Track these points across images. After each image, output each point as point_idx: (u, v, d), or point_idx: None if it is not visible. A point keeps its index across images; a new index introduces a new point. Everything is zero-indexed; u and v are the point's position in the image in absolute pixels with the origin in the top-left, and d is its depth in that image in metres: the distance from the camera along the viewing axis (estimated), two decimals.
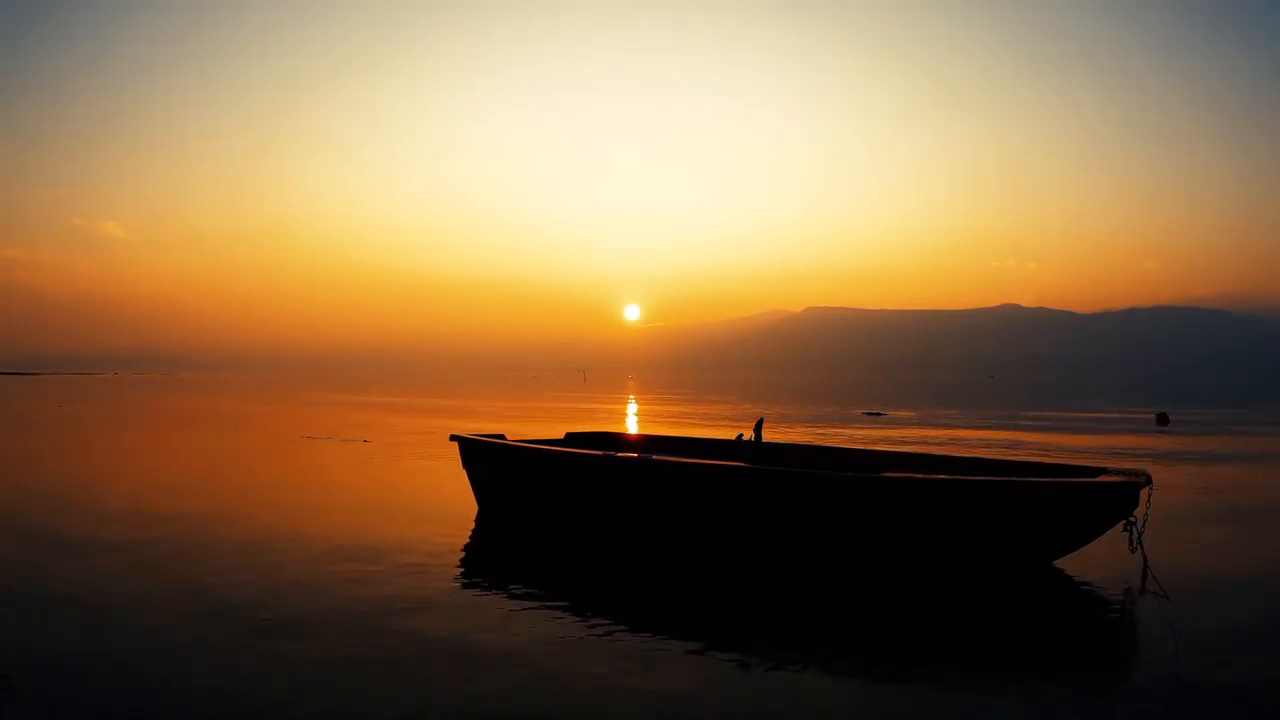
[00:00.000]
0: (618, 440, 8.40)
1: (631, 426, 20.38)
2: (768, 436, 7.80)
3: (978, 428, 18.76)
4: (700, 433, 14.84)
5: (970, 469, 6.37)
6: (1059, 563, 5.31)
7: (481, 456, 7.19)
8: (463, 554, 5.79)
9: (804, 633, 4.13)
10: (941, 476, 5.19)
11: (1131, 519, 4.92)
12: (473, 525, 6.69)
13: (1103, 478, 5.11)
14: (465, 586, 4.89)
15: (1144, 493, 5.01)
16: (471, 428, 14.39)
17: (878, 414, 23.86)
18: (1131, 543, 4.89)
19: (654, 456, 6.17)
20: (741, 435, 7.81)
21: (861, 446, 9.80)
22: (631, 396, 41.09)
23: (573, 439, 8.14)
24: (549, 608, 4.45)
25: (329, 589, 4.74)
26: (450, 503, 7.61)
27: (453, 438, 7.48)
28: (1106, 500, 4.91)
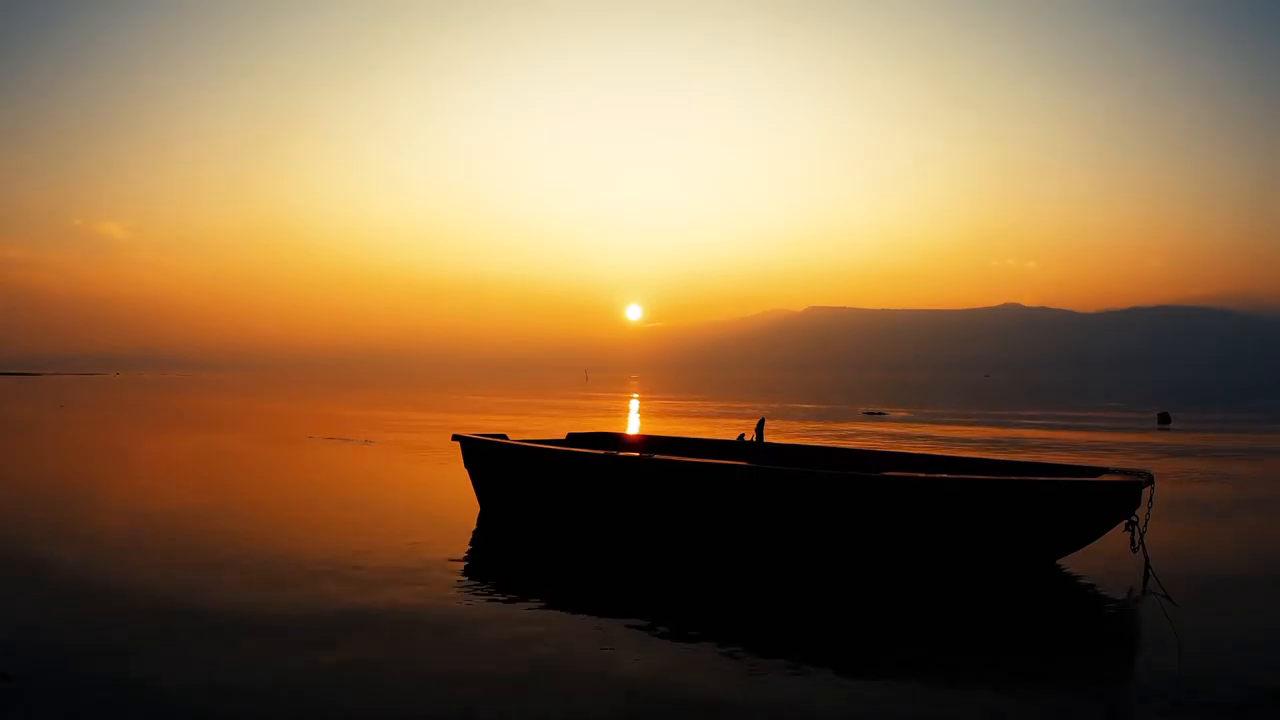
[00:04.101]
0: (619, 440, 8.40)
1: (634, 426, 20.37)
2: (769, 437, 7.79)
3: (978, 427, 18.77)
4: (702, 432, 14.84)
5: (972, 469, 6.37)
6: (1061, 562, 5.31)
7: (484, 456, 7.19)
8: (465, 553, 5.79)
9: (806, 632, 4.13)
10: (944, 476, 5.19)
11: (1134, 518, 4.91)
12: (475, 525, 6.70)
13: (1105, 477, 5.11)
14: (467, 586, 4.89)
15: (1146, 492, 5.00)
16: (472, 428, 14.39)
17: (878, 414, 23.86)
18: (1134, 542, 4.88)
19: (655, 456, 6.16)
20: (743, 435, 7.81)
21: (862, 446, 9.79)
22: (634, 395, 41.07)
23: (574, 439, 8.14)
24: (551, 607, 4.45)
25: (330, 588, 4.74)
26: (452, 502, 7.61)
27: (455, 437, 7.48)
28: (1109, 500, 4.91)
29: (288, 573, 5.11)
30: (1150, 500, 5.04)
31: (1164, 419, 19.73)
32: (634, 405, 31.53)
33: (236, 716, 3.08)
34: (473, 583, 5.00)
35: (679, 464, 5.86)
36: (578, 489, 6.46)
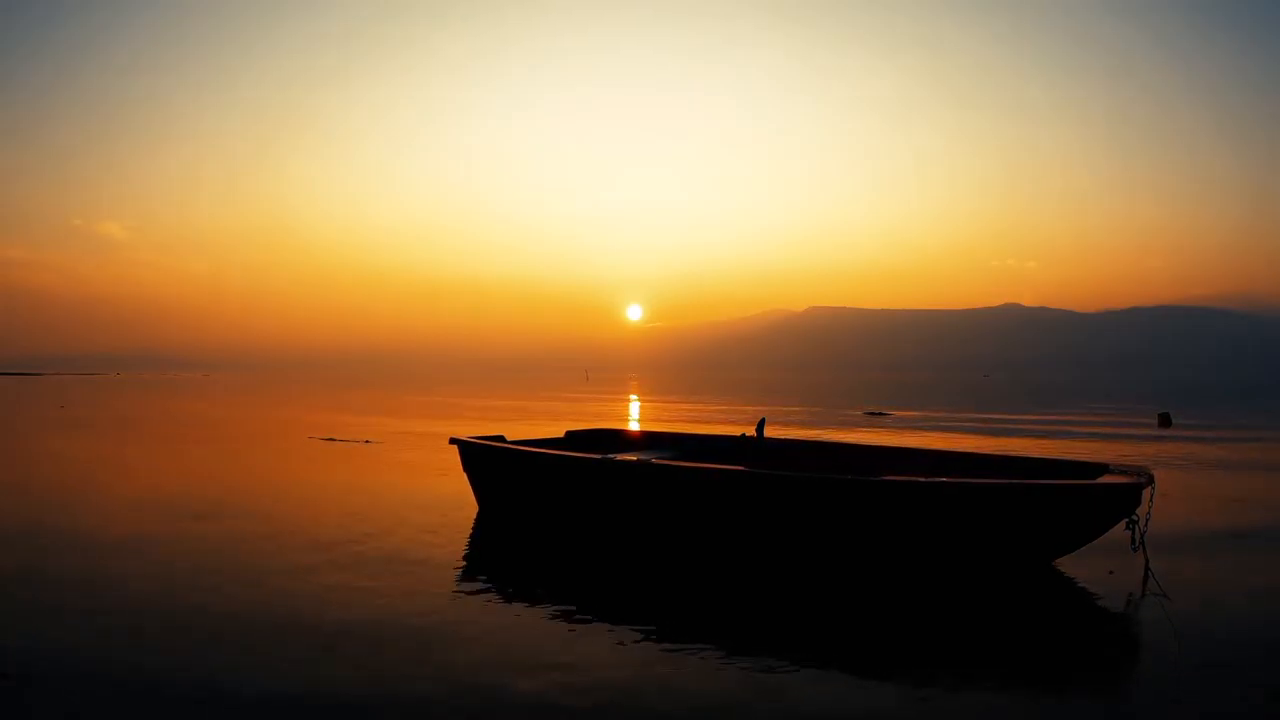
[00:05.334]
0: (618, 438, 8.39)
1: (633, 426, 20.36)
2: (769, 436, 7.79)
3: (979, 428, 18.76)
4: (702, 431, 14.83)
5: (972, 467, 6.36)
6: (1060, 562, 5.30)
7: (481, 459, 7.18)
8: (463, 556, 5.78)
9: (805, 634, 4.13)
10: (942, 479, 5.19)
11: (1134, 518, 4.92)
12: (473, 527, 6.69)
13: (1105, 477, 5.11)
14: (465, 589, 4.89)
15: (1146, 492, 5.01)
16: (472, 428, 14.42)
17: (879, 414, 23.83)
18: (1133, 542, 4.89)
19: (654, 459, 6.16)
20: (744, 435, 7.81)
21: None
22: (634, 396, 41.07)
23: (573, 437, 8.13)
24: (549, 609, 4.45)
25: (329, 589, 4.74)
26: (450, 504, 7.60)
27: (452, 440, 7.47)
28: (1109, 499, 4.91)
29: (282, 571, 5.10)
30: (1150, 500, 5.04)
31: (1164, 420, 19.69)
32: (634, 408, 31.50)
33: (236, 714, 3.08)
34: (470, 585, 4.99)
35: (675, 468, 5.85)
36: (574, 492, 6.45)
